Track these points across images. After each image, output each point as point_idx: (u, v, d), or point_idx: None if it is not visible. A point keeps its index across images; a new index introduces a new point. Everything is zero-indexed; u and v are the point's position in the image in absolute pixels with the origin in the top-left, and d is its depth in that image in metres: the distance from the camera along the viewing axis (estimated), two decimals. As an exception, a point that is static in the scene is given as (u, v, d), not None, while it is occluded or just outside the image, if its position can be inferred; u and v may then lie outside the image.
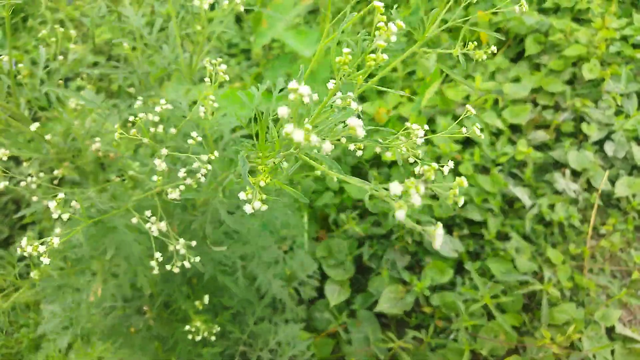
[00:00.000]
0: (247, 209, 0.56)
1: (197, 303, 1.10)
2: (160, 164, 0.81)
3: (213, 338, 1.07)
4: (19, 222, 2.89)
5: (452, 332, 1.70)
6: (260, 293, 1.40)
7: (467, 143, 2.15)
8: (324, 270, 1.87)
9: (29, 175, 0.94)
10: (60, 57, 0.93)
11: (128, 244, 0.99)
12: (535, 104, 2.26)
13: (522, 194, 1.94)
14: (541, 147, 2.14)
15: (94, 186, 1.09)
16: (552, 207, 1.93)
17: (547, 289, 1.68)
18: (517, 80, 2.35)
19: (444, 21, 2.74)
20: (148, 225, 0.79)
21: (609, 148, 2.07)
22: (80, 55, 1.10)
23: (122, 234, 0.95)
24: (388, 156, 0.78)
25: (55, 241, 0.71)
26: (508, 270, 1.79)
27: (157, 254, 0.80)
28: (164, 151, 0.82)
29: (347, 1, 3.26)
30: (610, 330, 1.67)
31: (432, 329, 1.69)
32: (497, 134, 2.20)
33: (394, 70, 2.71)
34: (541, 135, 2.14)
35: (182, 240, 0.81)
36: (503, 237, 1.92)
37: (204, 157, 0.84)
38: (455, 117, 2.19)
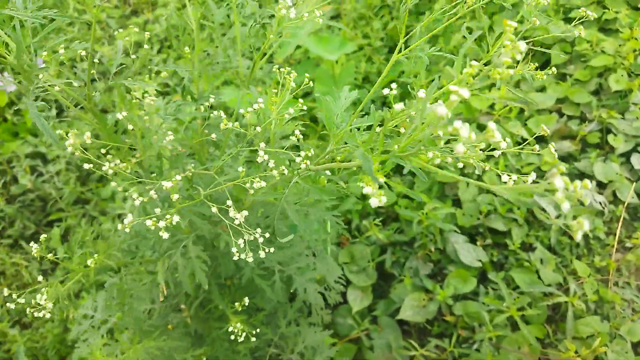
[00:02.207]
0: (373, 202, 0.59)
1: (237, 304, 1.13)
2: (262, 157, 0.81)
3: (253, 339, 1.09)
4: (44, 218, 2.95)
5: (475, 342, 1.71)
6: (291, 297, 1.42)
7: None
8: (347, 276, 1.89)
9: (108, 161, 0.97)
10: (134, 56, 0.95)
11: (203, 236, 1.01)
12: (561, 114, 2.25)
13: (547, 204, 1.94)
14: (566, 158, 2.13)
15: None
16: (576, 218, 1.92)
17: (573, 302, 1.68)
18: (542, 90, 2.34)
19: (469, 29, 2.76)
20: (232, 213, 0.78)
21: (635, 160, 2.05)
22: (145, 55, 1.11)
23: (199, 224, 0.96)
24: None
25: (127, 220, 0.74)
26: (532, 281, 1.78)
27: (240, 240, 0.79)
28: (263, 145, 0.83)
29: (370, 8, 3.28)
30: (636, 345, 1.66)
31: (455, 338, 1.70)
32: (522, 143, 2.19)
33: (415, 76, 2.72)
34: (566, 146, 2.14)
35: (259, 230, 0.81)
36: (527, 247, 1.92)
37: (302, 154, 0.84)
38: (479, 126, 2.19)
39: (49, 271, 2.74)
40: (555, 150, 2.13)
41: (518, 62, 0.87)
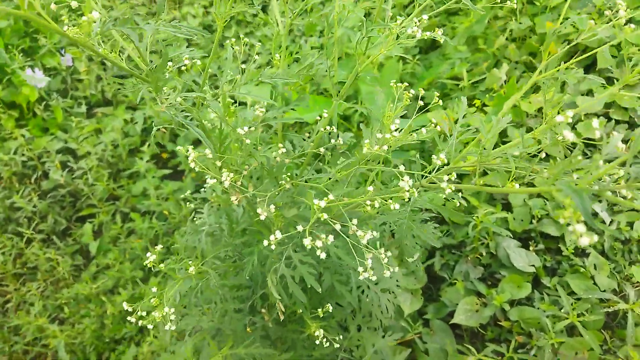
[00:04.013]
0: (583, 242, 0.58)
1: (319, 310, 1.11)
2: (406, 183, 0.79)
3: (337, 345, 1.08)
4: (75, 214, 2.93)
5: (533, 347, 1.69)
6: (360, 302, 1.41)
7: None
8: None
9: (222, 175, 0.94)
10: (243, 66, 0.92)
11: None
12: (609, 119, 2.23)
13: (600, 209, 1.92)
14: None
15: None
16: (630, 224, 1.90)
17: (633, 308, 1.66)
18: (588, 93, 2.32)
19: (510, 30, 2.71)
20: (359, 233, 0.77)
21: (686, 166, 2.03)
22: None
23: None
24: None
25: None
26: (588, 287, 1.77)
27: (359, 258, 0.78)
28: (402, 167, 0.81)
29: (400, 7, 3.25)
30: (696, 354, 1.64)
31: (514, 343, 1.68)
32: (570, 148, 2.17)
33: (456, 78, 2.70)
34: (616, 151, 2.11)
35: (382, 250, 0.80)
36: (580, 253, 1.90)
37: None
38: (527, 129, 2.17)
39: (81, 267, 2.73)
40: (605, 155, 2.10)
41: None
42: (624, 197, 0.73)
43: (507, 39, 2.65)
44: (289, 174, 1.01)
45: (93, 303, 2.48)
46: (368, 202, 0.79)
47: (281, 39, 1.14)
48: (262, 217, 0.85)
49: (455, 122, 2.43)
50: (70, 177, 2.93)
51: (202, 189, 1.52)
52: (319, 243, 0.77)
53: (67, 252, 2.76)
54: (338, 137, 1.08)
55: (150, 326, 0.95)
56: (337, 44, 1.04)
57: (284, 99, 1.11)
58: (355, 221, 0.77)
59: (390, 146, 0.83)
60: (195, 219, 1.39)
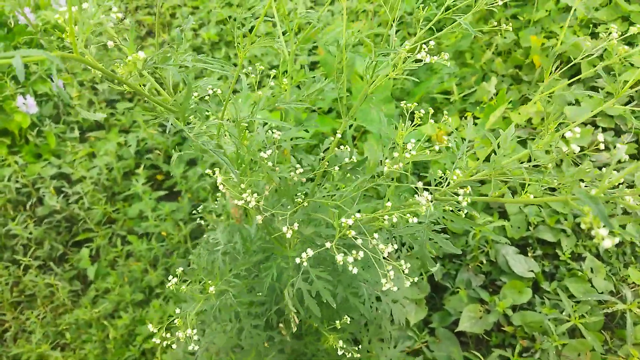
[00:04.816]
0: (607, 244, 0.62)
1: (337, 322, 1.14)
2: (424, 198, 0.84)
3: (357, 356, 1.11)
4: (71, 239, 2.92)
5: (537, 351, 1.73)
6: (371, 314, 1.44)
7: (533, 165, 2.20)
8: (401, 290, 1.91)
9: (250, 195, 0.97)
10: (259, 92, 0.96)
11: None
12: (596, 127, 2.31)
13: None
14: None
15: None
16: (623, 227, 1.97)
17: (631, 308, 1.72)
18: (575, 103, 2.40)
19: (495, 45, 2.80)
20: (381, 246, 0.81)
21: (672, 169, 2.11)
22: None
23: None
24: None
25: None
26: (586, 290, 1.82)
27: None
28: (420, 184, 0.85)
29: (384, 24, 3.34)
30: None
31: (518, 347, 1.73)
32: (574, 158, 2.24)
33: (446, 92, 2.77)
34: (605, 157, 2.19)
35: (403, 262, 0.84)
36: (576, 257, 1.96)
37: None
38: (519, 140, 2.24)
39: (79, 292, 2.72)
40: (594, 162, 2.18)
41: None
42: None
43: (493, 53, 2.73)
44: (303, 192, 1.05)
45: (94, 328, 2.47)
46: (386, 217, 0.84)
47: (287, 65, 1.19)
48: (289, 235, 0.89)
49: (449, 134, 2.50)
50: (65, 202, 2.93)
51: (196, 210, 1.54)
52: (350, 259, 0.81)
53: (65, 277, 2.74)
54: (352, 156, 1.12)
55: (159, 341, 0.97)
56: (346, 69, 1.09)
57: (295, 120, 1.15)
58: (376, 235, 0.81)
59: (408, 163, 0.87)
60: (207, 238, 1.42)
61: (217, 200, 2.83)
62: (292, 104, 0.95)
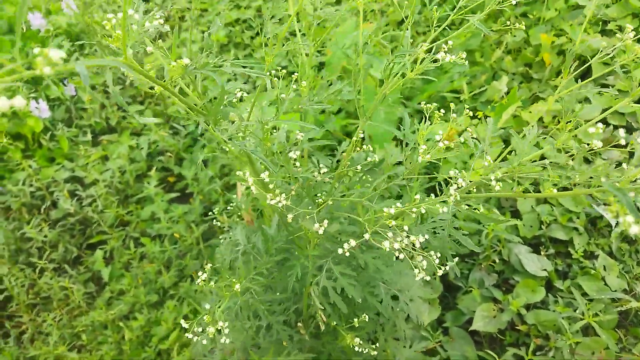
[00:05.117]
0: (634, 230, 0.63)
1: (355, 320, 1.16)
2: (453, 190, 0.86)
3: (374, 353, 1.13)
4: (85, 241, 2.96)
5: (551, 349, 1.74)
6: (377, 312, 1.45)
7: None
8: (414, 289, 1.92)
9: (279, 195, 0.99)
10: (283, 96, 0.97)
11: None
12: (607, 124, 2.31)
13: (605, 212, 1.99)
14: (617, 166, 2.19)
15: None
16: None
17: (645, 307, 1.73)
18: (585, 100, 2.41)
19: (505, 43, 2.82)
20: (412, 239, 0.82)
21: (684, 167, 2.11)
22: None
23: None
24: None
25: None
26: (600, 288, 1.83)
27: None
28: (454, 189, 0.87)
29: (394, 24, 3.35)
30: None
31: (532, 346, 1.73)
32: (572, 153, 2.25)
33: (456, 91, 2.78)
34: (615, 155, 2.19)
35: (432, 252, 0.86)
36: (589, 255, 1.97)
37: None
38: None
39: (94, 294, 2.75)
40: (606, 159, 2.20)
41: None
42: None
43: (503, 51, 2.74)
44: (324, 191, 1.07)
45: (110, 329, 2.50)
46: (414, 210, 0.85)
47: (304, 67, 1.21)
48: (320, 231, 0.90)
49: (460, 134, 2.50)
50: (79, 206, 2.96)
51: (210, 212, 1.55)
52: (396, 245, 0.82)
53: (79, 280, 2.78)
54: (374, 155, 1.14)
55: (192, 336, 0.99)
56: (362, 71, 1.10)
57: (315, 121, 1.17)
58: (406, 227, 0.83)
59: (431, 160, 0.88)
60: (226, 238, 1.44)
61: (231, 202, 2.86)
62: (314, 106, 0.97)
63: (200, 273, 1.02)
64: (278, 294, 1.28)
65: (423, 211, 0.86)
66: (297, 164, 1.01)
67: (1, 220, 2.91)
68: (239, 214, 2.29)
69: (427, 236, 0.85)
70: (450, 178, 0.90)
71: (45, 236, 2.85)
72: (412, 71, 0.97)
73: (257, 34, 4.01)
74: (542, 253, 1.97)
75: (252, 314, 1.30)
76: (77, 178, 3.13)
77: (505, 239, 1.95)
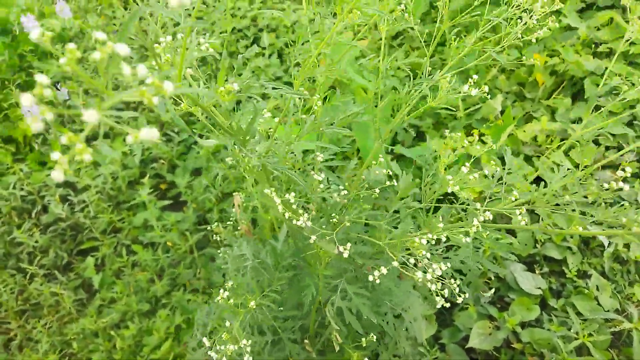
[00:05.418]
0: None
1: (363, 340, 1.17)
2: (476, 219, 0.87)
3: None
4: (76, 247, 2.93)
5: (546, 367, 1.77)
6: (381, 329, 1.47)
7: (539, 182, 2.25)
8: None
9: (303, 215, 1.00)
10: (303, 116, 0.99)
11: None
12: (598, 144, 2.37)
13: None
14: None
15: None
16: (627, 246, 2.02)
17: (637, 327, 1.77)
18: (577, 121, 2.46)
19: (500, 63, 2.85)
20: (434, 266, 0.84)
21: (673, 189, 2.17)
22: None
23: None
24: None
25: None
26: (593, 307, 1.87)
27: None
28: (480, 221, 0.89)
29: (389, 39, 3.39)
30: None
31: (528, 364, 1.77)
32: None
33: (448, 108, 2.81)
34: (608, 176, 2.25)
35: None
36: (582, 274, 2.01)
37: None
38: (525, 157, 2.29)
39: (84, 301, 2.72)
40: (597, 180, 2.24)
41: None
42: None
43: (497, 70, 2.79)
44: (340, 211, 1.08)
45: (101, 338, 2.47)
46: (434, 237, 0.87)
47: (323, 86, 1.23)
48: (345, 255, 0.91)
49: (454, 150, 2.52)
50: (70, 211, 2.93)
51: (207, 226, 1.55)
52: (428, 276, 0.84)
53: (70, 286, 2.75)
54: (394, 179, 1.16)
55: (215, 355, 0.99)
56: (383, 94, 1.12)
57: (330, 140, 1.19)
58: (428, 255, 0.85)
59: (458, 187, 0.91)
60: (227, 250, 1.44)
61: (224, 212, 2.86)
62: (335, 129, 0.98)
63: (221, 291, 1.02)
64: (281, 308, 1.29)
65: (444, 239, 0.88)
66: (322, 185, 1.02)
67: (-10, 224, 2.87)
68: (234, 224, 2.29)
69: (449, 264, 0.87)
70: (476, 209, 0.92)
71: (36, 241, 2.81)
72: (433, 99, 1.00)
73: (252, 43, 4.03)
74: (537, 271, 2.00)
75: (257, 331, 1.31)
76: (69, 183, 3.10)
77: (501, 256, 1.98)
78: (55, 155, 0.40)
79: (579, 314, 1.87)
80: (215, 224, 2.16)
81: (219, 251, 1.74)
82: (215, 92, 0.69)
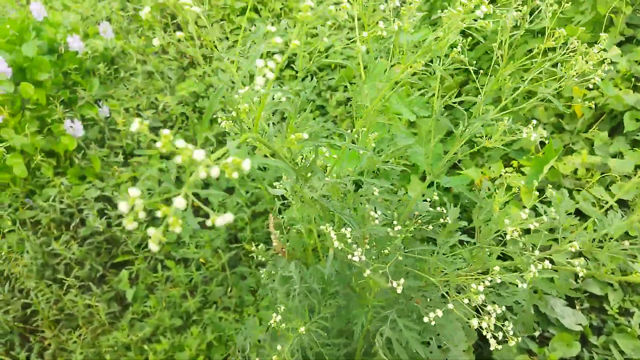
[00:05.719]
0: None
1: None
2: (534, 266, 0.89)
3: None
4: (110, 260, 2.98)
5: (587, 406, 1.74)
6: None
7: (579, 216, 2.22)
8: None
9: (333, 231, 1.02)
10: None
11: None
12: (640, 180, 2.34)
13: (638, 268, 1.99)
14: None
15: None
16: (670, 285, 1.98)
17: (683, 370, 1.72)
18: (618, 155, 2.44)
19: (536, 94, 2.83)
20: (482, 297, 0.85)
21: None
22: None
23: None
24: None
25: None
26: (635, 346, 1.83)
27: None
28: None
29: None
30: None
31: (568, 402, 1.73)
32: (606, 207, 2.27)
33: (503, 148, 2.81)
34: (650, 212, 2.21)
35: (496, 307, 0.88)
36: (624, 312, 1.97)
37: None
38: (568, 190, 2.27)
39: (116, 313, 2.76)
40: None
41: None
42: None
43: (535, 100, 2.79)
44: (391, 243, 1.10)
45: (133, 351, 2.50)
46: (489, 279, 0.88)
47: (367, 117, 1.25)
48: (399, 291, 0.93)
49: (492, 180, 2.51)
50: (106, 225, 2.99)
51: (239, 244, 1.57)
52: (484, 325, 0.84)
53: (103, 298, 2.79)
54: (447, 216, 1.17)
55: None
56: (434, 131, 1.14)
57: (383, 174, 1.21)
58: (482, 297, 0.85)
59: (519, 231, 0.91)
60: (270, 272, 1.46)
61: (256, 230, 2.89)
62: (392, 166, 1.00)
63: (275, 315, 1.04)
64: (326, 334, 1.30)
65: (498, 281, 0.88)
66: (377, 221, 1.04)
67: (30, 235, 2.94)
68: (269, 244, 2.31)
69: (504, 307, 0.87)
70: (534, 256, 0.92)
71: (73, 253, 2.87)
72: (488, 138, 1.01)
73: (287, 66, 4.09)
74: (577, 307, 1.97)
75: (301, 354, 1.31)
76: (107, 197, 3.17)
77: (542, 290, 1.96)
78: (151, 231, 0.46)
79: (621, 352, 1.83)
80: (256, 252, 2.19)
81: (260, 271, 1.75)
82: (287, 140, 0.72)
